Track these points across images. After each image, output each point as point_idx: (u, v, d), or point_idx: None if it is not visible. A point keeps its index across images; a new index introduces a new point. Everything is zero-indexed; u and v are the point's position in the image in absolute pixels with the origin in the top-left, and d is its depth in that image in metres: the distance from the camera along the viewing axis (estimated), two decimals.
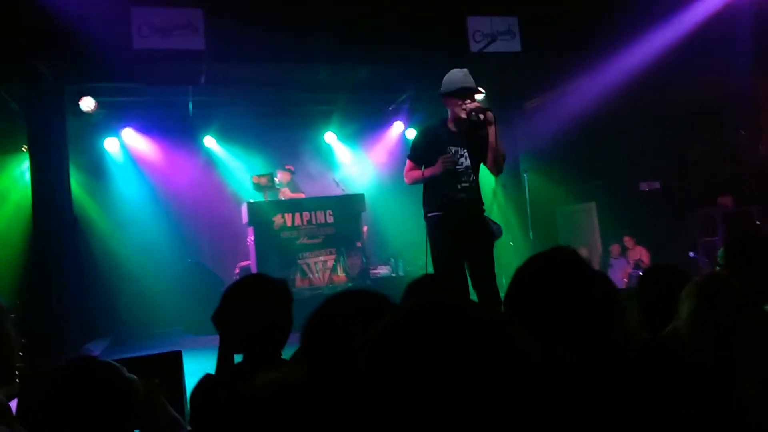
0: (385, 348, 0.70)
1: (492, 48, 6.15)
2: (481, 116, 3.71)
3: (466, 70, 3.85)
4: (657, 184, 8.25)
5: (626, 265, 8.30)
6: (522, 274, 1.24)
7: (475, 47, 6.12)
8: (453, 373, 0.65)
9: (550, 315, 1.12)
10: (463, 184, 3.80)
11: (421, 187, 3.97)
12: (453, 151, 3.80)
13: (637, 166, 8.17)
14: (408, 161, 3.94)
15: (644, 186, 8.36)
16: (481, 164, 3.92)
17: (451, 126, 3.87)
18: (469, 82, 3.78)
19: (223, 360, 1.91)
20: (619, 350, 1.12)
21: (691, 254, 7.18)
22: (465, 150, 3.81)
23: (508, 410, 0.66)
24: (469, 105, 3.72)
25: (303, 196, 8.85)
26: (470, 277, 3.75)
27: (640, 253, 8.20)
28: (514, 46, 6.30)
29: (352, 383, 0.74)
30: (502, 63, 6.47)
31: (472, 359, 0.66)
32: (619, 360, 1.07)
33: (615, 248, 8.57)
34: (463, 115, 3.75)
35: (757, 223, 6.43)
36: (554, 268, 1.22)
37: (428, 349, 0.67)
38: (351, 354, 1.12)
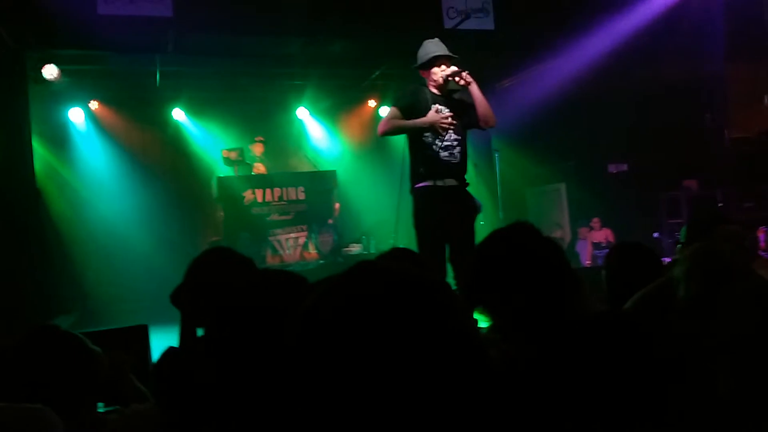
0: (315, 318, 0.70)
1: (466, 25, 6.12)
2: (458, 79, 3.76)
3: (437, 39, 3.90)
4: (624, 167, 8.38)
5: (590, 245, 8.47)
6: (482, 246, 1.26)
7: (448, 23, 6.08)
8: (384, 336, 0.65)
9: (505, 282, 1.14)
10: (445, 143, 3.81)
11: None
12: (438, 108, 3.84)
13: (606, 149, 8.28)
14: (393, 109, 3.92)
15: (612, 168, 8.49)
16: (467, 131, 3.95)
17: (434, 90, 3.91)
18: (442, 49, 3.85)
19: (187, 335, 1.89)
20: (571, 318, 1.14)
21: (656, 235, 7.35)
22: (448, 110, 3.85)
23: (439, 374, 0.66)
24: (445, 71, 3.79)
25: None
26: (449, 251, 3.78)
27: (605, 234, 8.37)
28: (488, 24, 6.28)
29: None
30: (476, 41, 6.45)
31: (403, 322, 0.66)
32: (567, 328, 1.09)
33: (583, 230, 8.72)
34: (441, 82, 3.82)
35: (720, 205, 6.61)
36: (511, 236, 1.24)
37: (358, 313, 0.67)
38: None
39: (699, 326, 1.52)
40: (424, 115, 3.79)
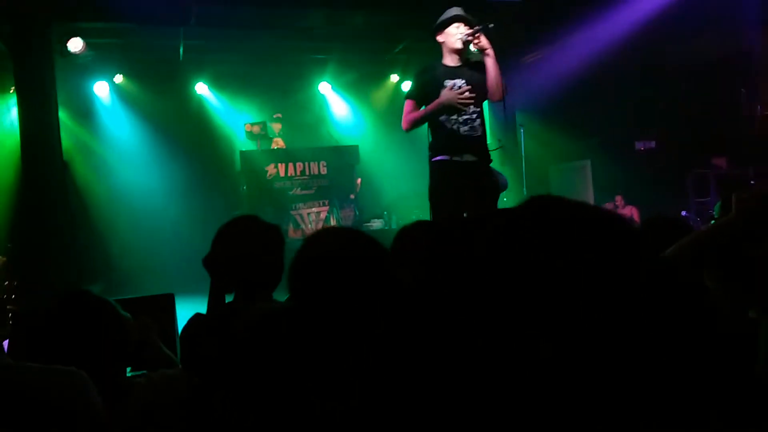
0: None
1: None
2: (475, 42, 3.58)
3: (460, 6, 3.72)
4: (652, 144, 8.20)
5: None
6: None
7: None
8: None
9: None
10: (464, 116, 3.65)
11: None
12: (450, 84, 3.65)
13: (634, 125, 8.11)
14: (407, 102, 3.77)
15: (639, 145, 8.32)
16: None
17: (448, 62, 3.74)
18: (462, 12, 3.66)
19: (215, 299, 1.91)
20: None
21: (684, 213, 7.21)
22: (463, 81, 3.66)
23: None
24: (463, 31, 3.62)
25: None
26: None
27: (631, 212, 8.23)
28: None
29: None
30: (503, 12, 6.31)
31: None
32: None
33: (609, 206, 8.59)
34: (458, 44, 3.64)
35: (752, 183, 6.44)
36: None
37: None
38: (333, 285, 1.11)
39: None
40: (438, 95, 3.62)
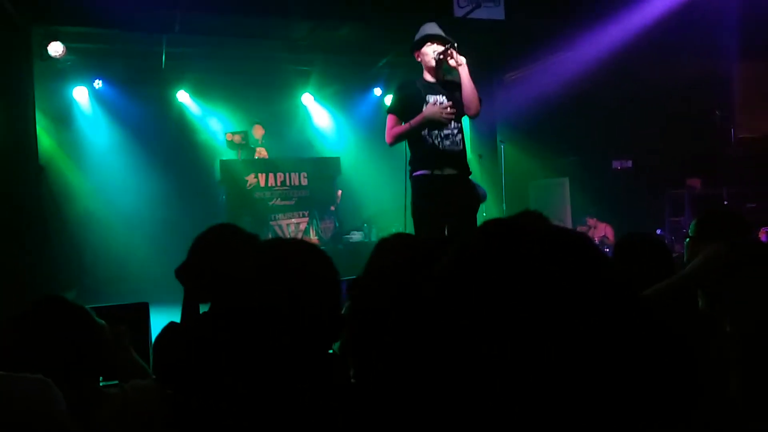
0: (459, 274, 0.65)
1: (476, 14, 6.07)
2: (450, 59, 3.68)
3: (434, 23, 3.82)
4: (629, 163, 8.34)
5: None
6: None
7: (459, 12, 6.03)
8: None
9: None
10: (445, 132, 3.73)
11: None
12: (432, 99, 3.75)
13: (611, 144, 8.24)
14: (389, 117, 3.84)
15: (617, 164, 8.45)
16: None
17: (427, 77, 3.84)
18: (435, 30, 3.77)
19: (189, 310, 1.88)
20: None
21: (659, 232, 7.32)
22: (444, 98, 3.76)
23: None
24: (435, 49, 3.71)
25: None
26: (450, 241, 3.74)
27: (605, 230, 8.33)
28: (498, 13, 6.22)
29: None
30: (485, 31, 6.41)
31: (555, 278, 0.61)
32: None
33: (583, 228, 8.68)
34: (432, 63, 3.74)
35: (725, 203, 6.57)
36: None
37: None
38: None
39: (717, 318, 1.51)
40: (420, 110, 3.68)
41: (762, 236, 6.13)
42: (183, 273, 1.81)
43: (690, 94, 7.01)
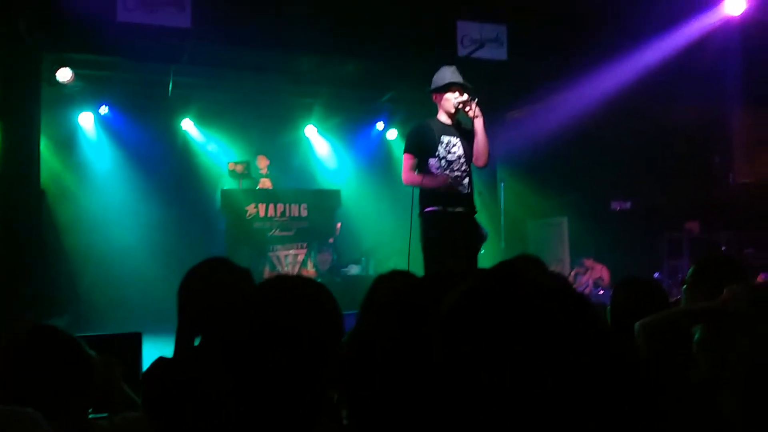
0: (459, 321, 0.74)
1: (479, 54, 6.18)
2: (467, 109, 3.85)
3: (454, 67, 4.00)
4: (628, 204, 8.37)
5: (588, 283, 8.42)
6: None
7: (462, 51, 6.14)
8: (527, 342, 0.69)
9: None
10: (456, 173, 3.90)
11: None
12: (446, 141, 3.92)
13: (610, 185, 8.29)
14: (406, 156, 3.98)
15: (615, 205, 8.48)
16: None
17: (442, 119, 4.00)
18: (458, 77, 3.94)
19: (182, 343, 1.87)
20: None
21: (656, 275, 7.31)
22: (458, 140, 3.95)
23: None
24: (458, 98, 3.88)
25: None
26: None
27: (601, 272, 8.31)
28: (501, 54, 6.34)
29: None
30: (488, 70, 6.51)
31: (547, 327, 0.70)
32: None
33: (580, 269, 8.66)
34: (452, 109, 3.92)
35: (723, 248, 6.58)
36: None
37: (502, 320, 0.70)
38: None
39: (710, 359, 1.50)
40: (434, 150, 3.87)
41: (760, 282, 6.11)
42: (179, 299, 1.79)
43: (690, 138, 7.09)
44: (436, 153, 3.89)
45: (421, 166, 3.94)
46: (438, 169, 3.88)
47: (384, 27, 6.00)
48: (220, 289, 1.75)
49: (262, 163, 8.85)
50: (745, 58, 6.29)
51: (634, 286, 2.06)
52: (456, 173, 3.90)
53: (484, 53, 6.18)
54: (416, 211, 4.02)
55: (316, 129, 9.81)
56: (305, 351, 1.13)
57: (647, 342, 1.73)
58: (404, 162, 3.98)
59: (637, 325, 1.76)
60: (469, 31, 6.18)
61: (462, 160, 3.92)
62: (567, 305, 0.72)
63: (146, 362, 2.78)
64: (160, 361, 1.76)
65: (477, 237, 3.96)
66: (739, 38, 6.24)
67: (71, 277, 7.96)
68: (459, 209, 3.88)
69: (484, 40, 6.17)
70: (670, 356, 1.68)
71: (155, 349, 2.50)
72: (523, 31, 6.44)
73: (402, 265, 3.88)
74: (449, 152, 3.91)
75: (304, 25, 5.75)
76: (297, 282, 1.24)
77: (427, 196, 3.91)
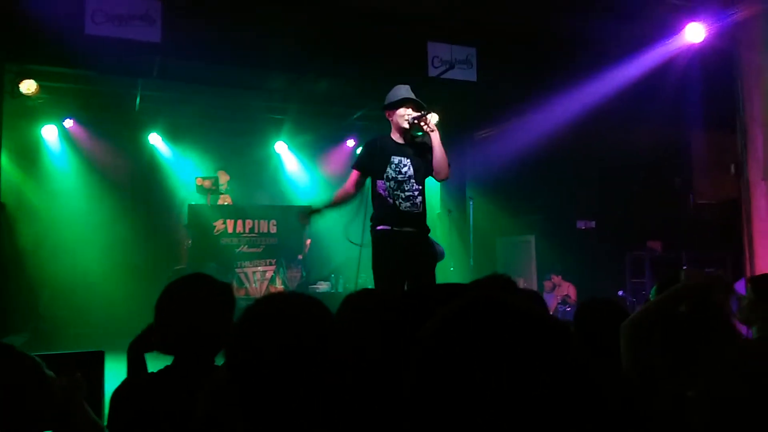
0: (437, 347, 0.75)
1: (449, 75, 6.28)
2: (423, 124, 3.84)
3: (408, 86, 3.99)
4: (593, 223, 8.54)
5: (554, 300, 8.54)
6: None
7: (433, 72, 6.23)
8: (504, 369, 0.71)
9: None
10: (407, 193, 3.87)
11: (370, 204, 4.03)
12: (396, 161, 3.89)
13: (576, 204, 8.45)
14: (353, 172, 4.02)
15: (581, 224, 8.64)
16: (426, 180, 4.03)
17: (395, 137, 3.97)
18: (411, 94, 3.93)
19: (137, 360, 1.84)
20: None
21: (620, 293, 7.45)
22: (408, 160, 3.91)
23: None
24: (411, 114, 3.86)
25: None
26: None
27: (568, 289, 8.44)
28: (471, 75, 6.45)
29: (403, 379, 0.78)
30: (458, 91, 6.61)
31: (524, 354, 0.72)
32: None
33: (548, 284, 8.80)
34: (405, 125, 3.89)
35: (684, 268, 6.74)
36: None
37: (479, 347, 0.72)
38: (274, 356, 1.09)
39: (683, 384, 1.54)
40: (383, 171, 3.86)
41: None
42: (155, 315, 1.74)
43: (652, 160, 7.29)
44: (385, 174, 3.87)
45: (375, 185, 3.94)
46: (385, 190, 3.85)
47: (356, 47, 6.05)
48: (198, 309, 1.70)
49: (223, 178, 8.78)
50: (705, 83, 6.53)
51: (596, 306, 2.11)
52: (407, 193, 3.87)
53: (454, 74, 6.28)
54: (357, 230, 4.09)
55: (286, 145, 9.78)
56: (318, 369, 1.11)
57: (629, 345, 1.76)
58: (349, 177, 4.03)
59: (622, 327, 1.81)
60: (439, 52, 6.28)
61: (412, 180, 3.88)
62: (544, 332, 0.74)
63: (109, 381, 2.71)
64: (129, 382, 1.72)
65: (431, 255, 3.94)
66: (699, 64, 6.48)
67: (31, 293, 7.73)
68: (409, 229, 3.85)
69: (455, 61, 6.27)
70: (650, 362, 1.72)
71: (118, 367, 2.44)
72: (493, 54, 6.57)
73: (370, 284, 3.89)
74: (399, 173, 3.87)
75: (276, 43, 5.76)
76: (298, 300, 1.22)
77: (377, 216, 3.91)
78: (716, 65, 6.44)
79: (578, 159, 7.89)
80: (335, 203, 4.14)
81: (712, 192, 7.15)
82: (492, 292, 0.81)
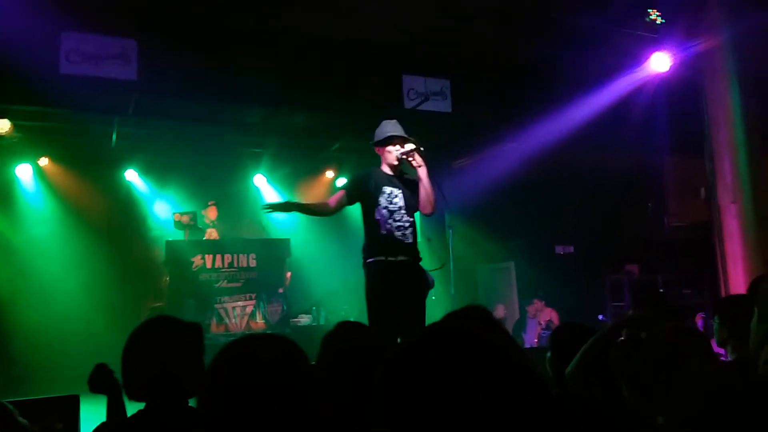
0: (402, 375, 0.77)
1: (424, 107, 6.39)
2: (411, 159, 3.92)
3: (395, 120, 4.10)
4: (571, 248, 8.64)
5: (538, 325, 8.58)
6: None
7: (408, 104, 6.33)
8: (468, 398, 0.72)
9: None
10: (398, 223, 3.95)
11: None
12: (388, 192, 3.99)
13: (554, 230, 8.55)
14: (340, 192, 4.08)
15: (559, 249, 8.73)
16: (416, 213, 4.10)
17: (385, 170, 4.08)
18: (399, 130, 4.03)
19: (116, 409, 1.81)
20: None
21: (600, 317, 7.50)
22: (400, 191, 4.01)
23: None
24: (399, 150, 3.96)
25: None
26: (399, 325, 3.77)
27: (550, 315, 8.49)
28: (446, 106, 6.56)
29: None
30: (434, 122, 6.72)
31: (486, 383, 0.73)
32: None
33: (531, 309, 8.84)
34: (395, 162, 3.99)
35: (661, 290, 6.84)
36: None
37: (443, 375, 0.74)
38: (246, 403, 1.08)
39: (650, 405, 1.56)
40: (376, 200, 3.95)
41: (698, 321, 6.37)
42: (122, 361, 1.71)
43: (626, 185, 7.44)
44: (378, 203, 3.95)
45: (368, 214, 3.99)
46: (380, 218, 3.93)
47: (332, 80, 6.13)
48: (164, 355, 1.67)
49: (212, 213, 8.71)
50: (673, 110, 6.73)
51: (570, 333, 2.15)
52: (398, 223, 3.95)
53: (429, 106, 6.39)
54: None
55: (265, 178, 9.78)
56: (293, 411, 1.11)
57: (581, 386, 1.78)
58: (335, 195, 4.09)
59: (566, 372, 1.83)
60: (414, 84, 6.40)
61: (403, 211, 3.97)
62: (506, 364, 0.76)
63: (85, 425, 2.65)
64: (105, 427, 1.68)
65: (423, 284, 3.99)
66: (667, 92, 6.68)
67: (2, 336, 7.51)
68: (402, 258, 3.91)
69: (429, 93, 6.38)
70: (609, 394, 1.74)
71: (95, 412, 2.38)
72: (466, 85, 6.71)
73: (353, 315, 3.89)
74: (391, 203, 3.96)
75: (252, 77, 5.81)
76: (270, 341, 1.22)
77: (370, 247, 3.96)
78: (683, 93, 6.65)
79: (554, 185, 8.02)
80: (309, 208, 4.25)
81: (684, 215, 7.31)
82: (460, 322, 0.84)
